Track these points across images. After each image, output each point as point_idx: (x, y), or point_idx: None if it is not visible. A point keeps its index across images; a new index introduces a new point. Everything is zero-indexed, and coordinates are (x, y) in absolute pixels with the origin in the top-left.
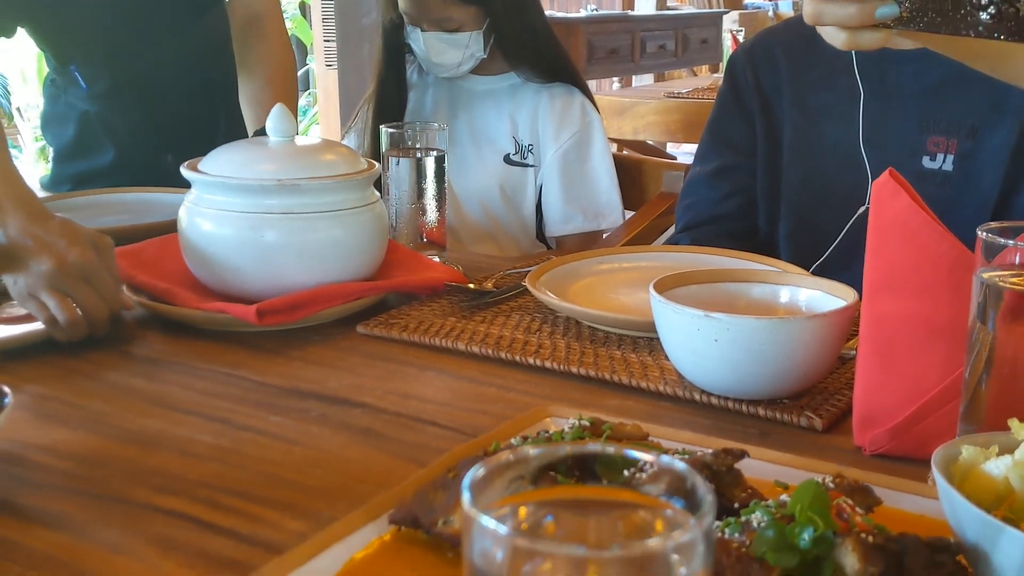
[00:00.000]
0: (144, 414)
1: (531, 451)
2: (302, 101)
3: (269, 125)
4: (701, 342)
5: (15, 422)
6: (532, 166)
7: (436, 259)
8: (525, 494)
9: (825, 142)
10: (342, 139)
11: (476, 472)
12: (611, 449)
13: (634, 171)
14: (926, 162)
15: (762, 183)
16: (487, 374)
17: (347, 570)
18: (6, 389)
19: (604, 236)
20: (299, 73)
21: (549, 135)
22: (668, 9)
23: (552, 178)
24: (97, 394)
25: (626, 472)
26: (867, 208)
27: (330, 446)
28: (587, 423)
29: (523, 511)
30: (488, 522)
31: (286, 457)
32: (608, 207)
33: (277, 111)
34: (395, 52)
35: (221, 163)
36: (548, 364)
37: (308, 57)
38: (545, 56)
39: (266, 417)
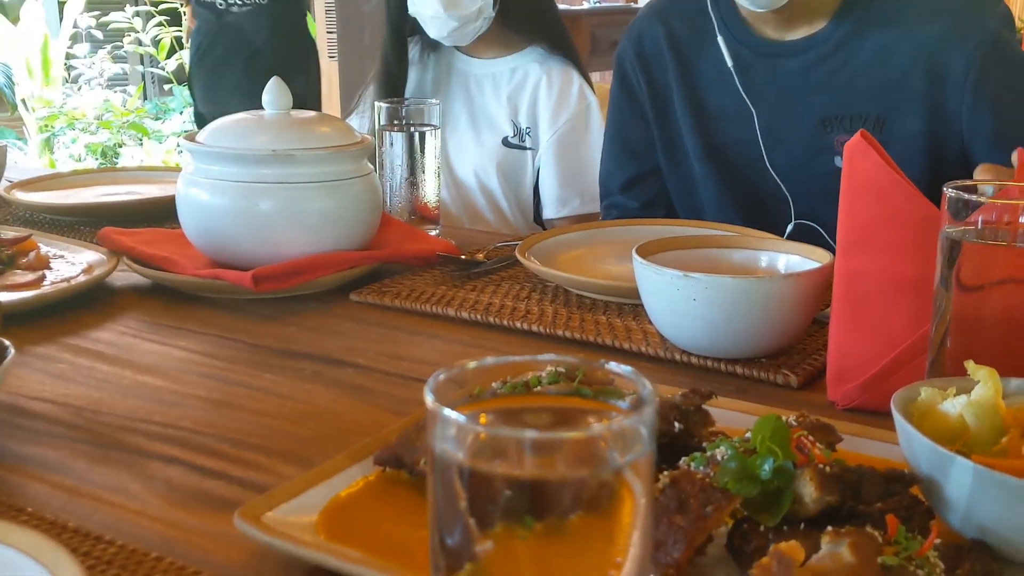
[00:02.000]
0: (142, 371)
1: (490, 361)
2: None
3: (265, 98)
4: (680, 302)
5: (18, 379)
6: (530, 149)
7: (431, 233)
8: (480, 403)
9: (731, 148)
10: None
11: (437, 376)
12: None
13: None
14: (838, 161)
15: (674, 185)
16: (477, 338)
17: (332, 506)
18: (7, 342)
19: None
20: None
21: (547, 118)
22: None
23: (549, 161)
24: (97, 355)
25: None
26: (796, 224)
27: (322, 401)
28: (562, 369)
29: (482, 418)
30: (449, 413)
31: (279, 410)
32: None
33: (273, 84)
34: (399, 26)
35: (218, 134)
36: (535, 328)
37: None
38: (553, 28)
39: (260, 375)
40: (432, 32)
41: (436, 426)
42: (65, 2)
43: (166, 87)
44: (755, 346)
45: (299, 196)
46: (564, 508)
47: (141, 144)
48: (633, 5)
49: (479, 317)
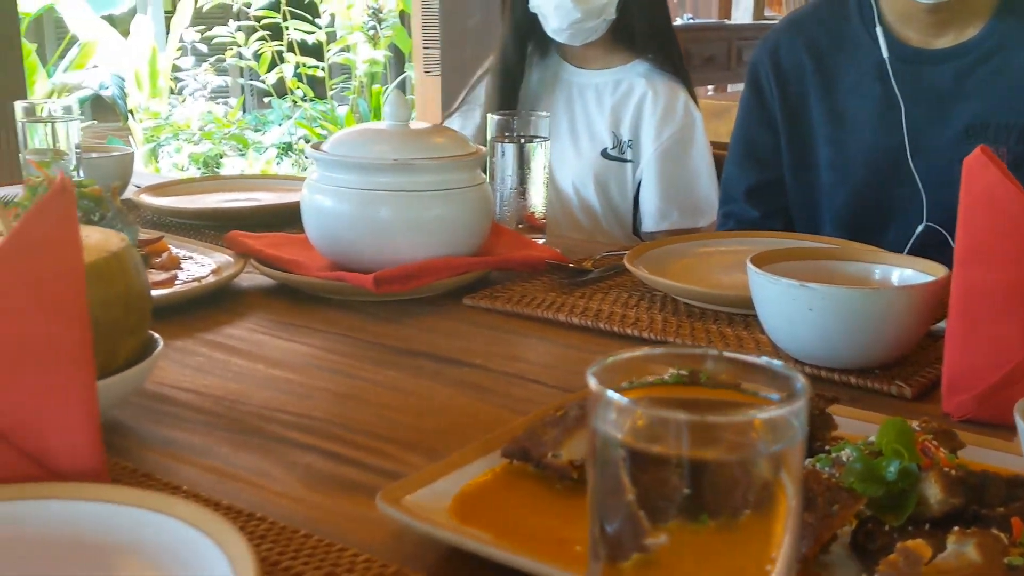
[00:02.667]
0: (273, 365)
1: (653, 351)
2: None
3: (385, 110)
4: (796, 311)
5: (161, 370)
6: (630, 161)
7: (538, 242)
8: (638, 390)
9: (868, 154)
10: (442, 123)
11: (601, 362)
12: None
13: None
14: None
15: (795, 197)
16: (587, 342)
17: (463, 493)
18: (156, 335)
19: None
20: (396, 80)
21: (650, 131)
22: (765, 19)
23: (650, 174)
24: (230, 349)
25: None
26: (926, 226)
27: (442, 397)
28: (685, 372)
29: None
30: (613, 394)
31: (402, 404)
32: (706, 205)
33: (393, 96)
34: (520, 23)
35: (341, 144)
36: (646, 335)
37: (406, 64)
38: (665, 43)
39: (383, 371)
40: (553, 23)
41: (599, 409)
42: (172, 16)
43: (265, 100)
44: (869, 357)
45: (417, 203)
46: (728, 503)
47: (243, 155)
48: (727, 22)
49: (589, 323)
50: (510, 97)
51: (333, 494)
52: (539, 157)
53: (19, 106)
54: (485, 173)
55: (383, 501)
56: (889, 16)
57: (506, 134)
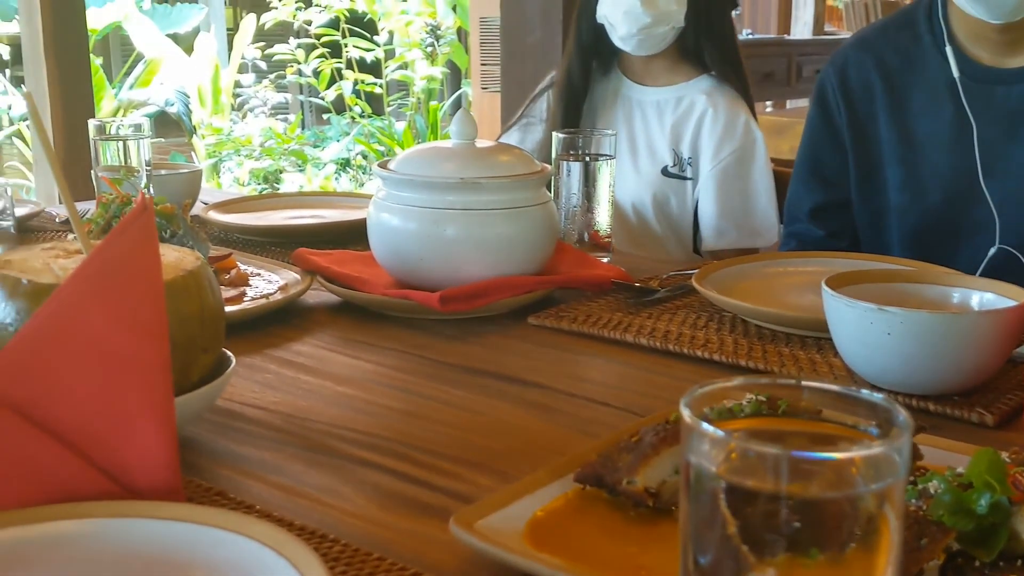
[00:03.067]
0: (340, 383)
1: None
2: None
3: (452, 128)
4: (874, 336)
5: (232, 386)
6: (690, 179)
7: (602, 260)
8: (729, 422)
9: (939, 175)
10: (499, 137)
11: (692, 392)
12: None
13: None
14: None
15: (862, 217)
16: (655, 364)
17: (536, 519)
18: (230, 353)
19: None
20: (453, 97)
21: (710, 149)
22: (825, 34)
23: (709, 192)
24: (298, 366)
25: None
26: (998, 249)
27: (510, 417)
28: (763, 399)
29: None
30: (707, 426)
31: (470, 423)
32: (764, 225)
33: (460, 116)
34: (587, 35)
35: (408, 163)
36: (716, 357)
37: (463, 81)
38: (729, 58)
39: (449, 390)
40: (621, 30)
41: (693, 440)
42: (235, 34)
43: (324, 116)
44: (949, 383)
45: (483, 222)
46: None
47: (303, 171)
48: (786, 37)
49: (658, 344)
50: (574, 114)
51: (404, 515)
52: (604, 175)
53: (92, 124)
54: (550, 191)
55: (457, 525)
56: (960, 35)
57: (571, 152)
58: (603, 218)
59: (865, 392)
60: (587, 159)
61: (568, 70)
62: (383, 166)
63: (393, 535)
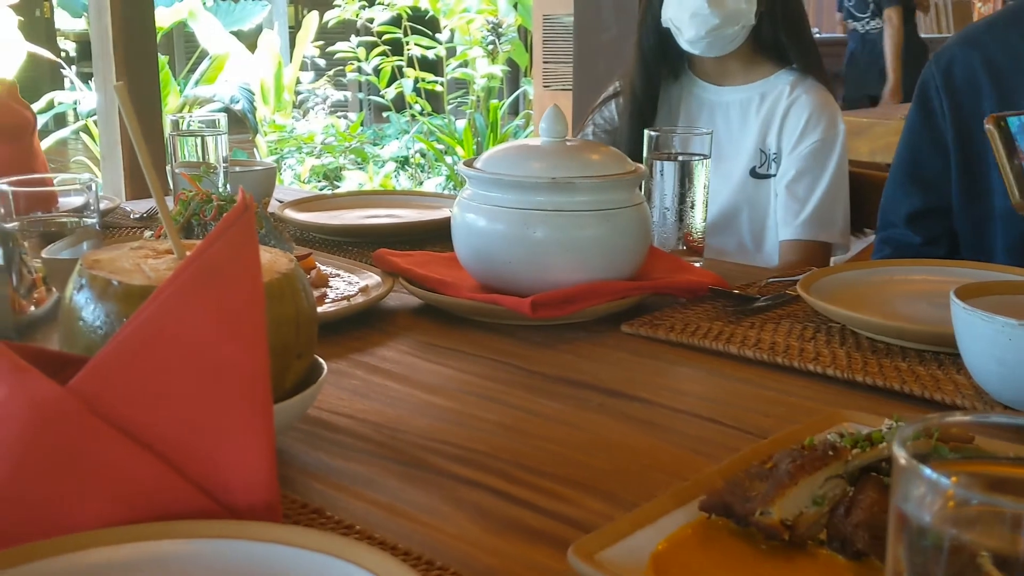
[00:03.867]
0: (429, 391)
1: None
2: (518, 120)
3: (542, 126)
4: (1012, 353)
5: (321, 392)
6: (774, 176)
7: (695, 265)
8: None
9: None
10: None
11: (905, 431)
12: None
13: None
14: None
15: (964, 224)
16: (763, 378)
17: (661, 551)
18: (322, 360)
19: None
20: (512, 95)
21: (792, 139)
22: None
23: (785, 180)
24: (385, 372)
25: None
26: None
27: (612, 433)
28: (905, 424)
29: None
30: (931, 473)
31: (570, 439)
32: (833, 220)
33: (551, 112)
34: (653, 45)
35: (495, 161)
36: (830, 372)
37: (522, 79)
38: (806, 48)
39: (544, 402)
40: (689, 33)
41: (904, 483)
42: (298, 31)
43: (384, 114)
44: None
45: (574, 224)
46: None
47: (363, 168)
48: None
49: (764, 356)
50: (643, 126)
51: (511, 540)
52: (700, 176)
53: (169, 120)
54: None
55: (576, 556)
56: None
57: (664, 152)
58: (698, 221)
59: None
60: (680, 159)
61: (632, 84)
62: (469, 164)
63: (501, 562)
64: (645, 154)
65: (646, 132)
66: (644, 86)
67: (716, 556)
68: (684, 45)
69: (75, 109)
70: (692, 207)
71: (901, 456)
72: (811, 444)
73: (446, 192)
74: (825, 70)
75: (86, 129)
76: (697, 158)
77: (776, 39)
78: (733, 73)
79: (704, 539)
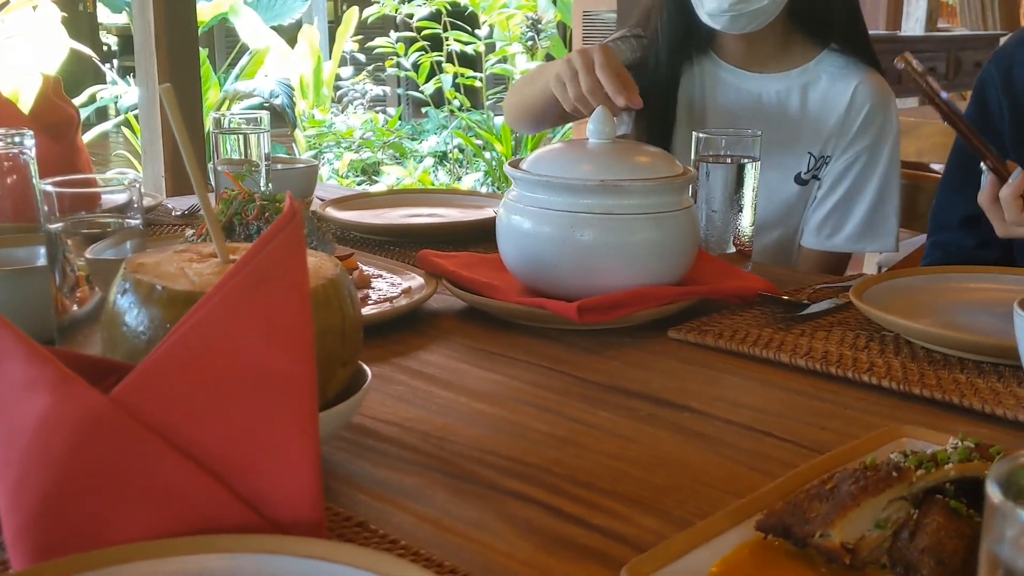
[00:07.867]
0: (476, 398)
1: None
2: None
3: (590, 127)
4: None
5: (366, 400)
6: (819, 179)
7: (744, 269)
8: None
9: None
10: None
11: (999, 468)
12: None
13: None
14: None
15: None
16: (818, 388)
17: (714, 574)
18: (366, 367)
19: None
20: None
21: (846, 139)
22: (939, 30)
23: (829, 181)
24: (429, 378)
25: None
26: None
27: (666, 446)
28: (971, 444)
29: None
30: None
31: (623, 452)
32: (885, 229)
33: (599, 114)
34: (676, 22)
35: (542, 163)
36: (885, 383)
37: None
38: (852, 24)
39: (595, 412)
40: (709, 5)
41: (1004, 527)
42: (337, 27)
43: (423, 110)
44: None
45: (623, 227)
46: None
47: (402, 164)
48: (898, 34)
49: (817, 366)
50: (661, 117)
51: (564, 559)
52: (749, 179)
53: (212, 116)
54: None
55: None
56: None
57: (712, 154)
58: (746, 224)
59: None
60: (729, 160)
61: (648, 58)
62: (515, 165)
63: None
64: (693, 156)
65: (694, 134)
66: (667, 64)
67: None
68: (704, 17)
69: (116, 103)
70: (741, 210)
71: (994, 495)
72: (873, 463)
73: (484, 188)
74: (873, 50)
75: (127, 123)
76: (747, 160)
77: (815, 11)
78: (767, 59)
79: (761, 561)
